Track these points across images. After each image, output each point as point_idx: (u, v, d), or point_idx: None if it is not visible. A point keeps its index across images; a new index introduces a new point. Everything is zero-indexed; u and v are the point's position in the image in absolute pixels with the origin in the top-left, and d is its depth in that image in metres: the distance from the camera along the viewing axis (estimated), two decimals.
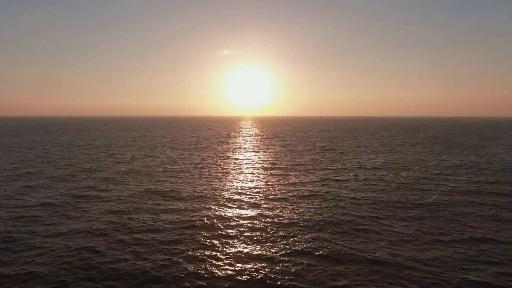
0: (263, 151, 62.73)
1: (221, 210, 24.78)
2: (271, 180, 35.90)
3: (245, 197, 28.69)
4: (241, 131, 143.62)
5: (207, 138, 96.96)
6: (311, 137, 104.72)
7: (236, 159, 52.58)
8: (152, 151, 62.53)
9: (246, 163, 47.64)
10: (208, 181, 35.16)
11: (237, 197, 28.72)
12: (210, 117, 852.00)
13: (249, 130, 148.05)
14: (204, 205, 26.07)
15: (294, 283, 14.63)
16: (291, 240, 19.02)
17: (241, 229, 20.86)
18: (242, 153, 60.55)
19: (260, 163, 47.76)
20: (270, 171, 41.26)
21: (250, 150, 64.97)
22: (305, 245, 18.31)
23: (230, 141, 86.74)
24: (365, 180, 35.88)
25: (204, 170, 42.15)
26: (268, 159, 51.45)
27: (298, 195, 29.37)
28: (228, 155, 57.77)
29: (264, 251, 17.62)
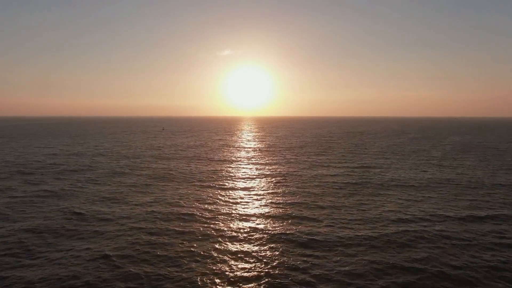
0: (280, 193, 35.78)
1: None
2: None
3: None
4: (240, 140, 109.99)
5: (192, 150, 79.94)
6: (315, 143, 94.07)
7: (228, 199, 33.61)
8: (103, 177, 43.74)
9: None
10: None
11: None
12: (210, 117, 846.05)
13: (250, 140, 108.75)
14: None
15: None
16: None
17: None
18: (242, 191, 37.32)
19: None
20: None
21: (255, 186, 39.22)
22: None
23: (224, 157, 66.69)
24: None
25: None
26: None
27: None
28: (218, 189, 37.64)
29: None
